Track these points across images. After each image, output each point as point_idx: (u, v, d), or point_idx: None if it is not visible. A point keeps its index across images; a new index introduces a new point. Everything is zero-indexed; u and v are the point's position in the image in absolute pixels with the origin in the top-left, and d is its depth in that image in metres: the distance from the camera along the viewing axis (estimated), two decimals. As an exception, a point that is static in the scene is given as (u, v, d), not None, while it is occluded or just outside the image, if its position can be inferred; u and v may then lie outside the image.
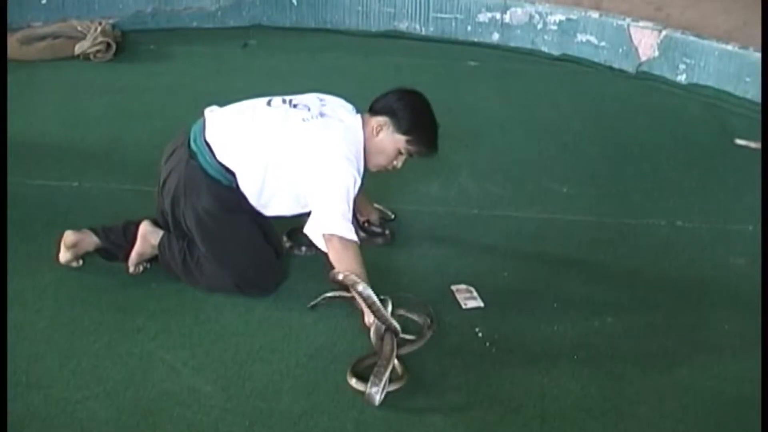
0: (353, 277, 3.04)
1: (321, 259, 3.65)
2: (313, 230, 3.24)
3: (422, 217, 4.05)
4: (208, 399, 2.92)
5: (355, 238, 3.19)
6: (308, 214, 3.32)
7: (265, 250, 3.45)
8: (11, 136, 4.74)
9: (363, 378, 2.97)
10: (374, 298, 3.03)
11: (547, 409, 2.94)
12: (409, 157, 3.47)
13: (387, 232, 3.87)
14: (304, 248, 3.73)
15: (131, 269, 3.51)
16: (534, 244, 3.95)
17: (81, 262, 3.56)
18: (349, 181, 3.24)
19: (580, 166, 4.74)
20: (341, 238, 3.17)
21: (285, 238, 3.73)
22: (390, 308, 3.12)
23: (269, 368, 3.08)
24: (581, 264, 3.81)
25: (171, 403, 2.89)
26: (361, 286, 3.03)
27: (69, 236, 3.48)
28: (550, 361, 3.16)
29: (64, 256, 3.52)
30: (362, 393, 2.93)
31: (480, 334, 3.26)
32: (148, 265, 3.55)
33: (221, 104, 3.54)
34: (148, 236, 3.46)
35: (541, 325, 3.35)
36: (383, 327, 3.08)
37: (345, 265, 3.11)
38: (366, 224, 3.87)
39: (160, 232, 3.47)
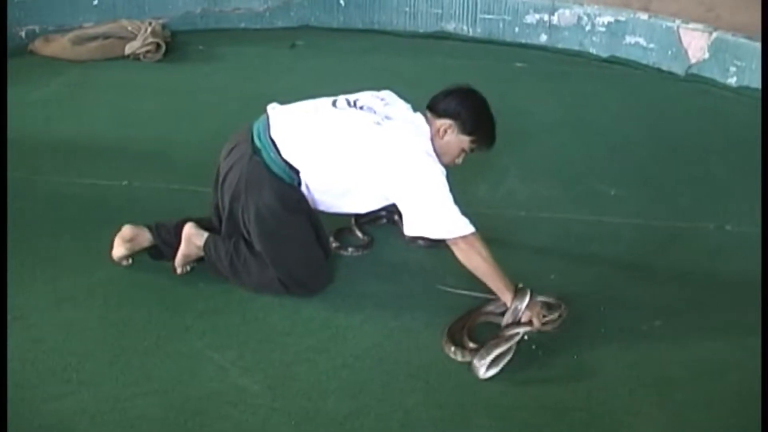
0: (508, 333, 3.19)
1: (367, 260, 3.67)
2: (434, 234, 3.32)
3: (469, 219, 4.03)
4: (255, 398, 2.93)
5: (473, 229, 3.28)
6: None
7: (316, 251, 3.47)
8: (62, 136, 4.84)
9: (454, 341, 3.18)
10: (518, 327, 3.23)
11: (594, 412, 2.92)
12: (471, 153, 3.51)
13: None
14: (350, 249, 3.77)
15: (178, 270, 3.54)
16: (582, 246, 3.93)
17: (131, 261, 3.59)
18: (441, 177, 3.32)
19: (629, 168, 4.71)
20: (464, 238, 3.27)
21: (332, 239, 3.75)
22: (528, 297, 3.25)
23: (316, 368, 3.08)
24: (629, 267, 3.78)
25: (218, 402, 2.91)
26: (519, 329, 3.21)
27: (127, 230, 3.52)
28: (597, 365, 3.14)
29: (118, 251, 3.54)
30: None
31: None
32: (195, 264, 3.57)
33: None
34: (192, 238, 3.48)
35: (589, 328, 3.32)
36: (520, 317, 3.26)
37: (474, 263, 3.28)
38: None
39: (205, 234, 3.49)
